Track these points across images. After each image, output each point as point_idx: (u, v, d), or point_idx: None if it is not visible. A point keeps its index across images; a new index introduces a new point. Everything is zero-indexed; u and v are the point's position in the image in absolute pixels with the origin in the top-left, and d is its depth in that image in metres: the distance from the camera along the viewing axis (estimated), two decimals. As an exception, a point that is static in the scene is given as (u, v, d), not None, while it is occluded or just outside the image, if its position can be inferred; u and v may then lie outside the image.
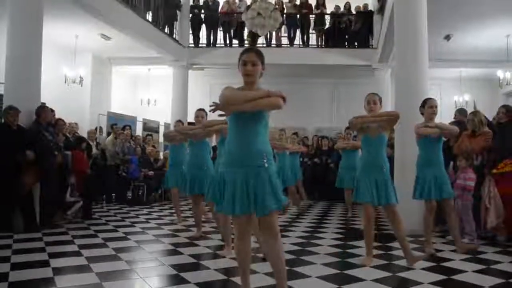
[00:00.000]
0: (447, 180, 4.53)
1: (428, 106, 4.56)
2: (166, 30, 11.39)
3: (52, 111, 6.70)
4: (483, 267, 3.90)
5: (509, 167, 5.11)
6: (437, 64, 10.56)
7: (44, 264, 3.79)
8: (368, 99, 4.06)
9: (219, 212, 2.90)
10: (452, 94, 13.14)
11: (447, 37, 9.74)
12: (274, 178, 2.66)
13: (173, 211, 7.31)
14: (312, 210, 8.41)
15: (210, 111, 3.11)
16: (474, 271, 3.73)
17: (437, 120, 4.68)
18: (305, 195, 9.32)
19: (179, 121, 6.75)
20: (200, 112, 5.21)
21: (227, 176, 2.68)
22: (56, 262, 3.85)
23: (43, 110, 5.94)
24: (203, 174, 5.03)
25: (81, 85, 10.73)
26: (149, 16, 10.68)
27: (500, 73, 10.97)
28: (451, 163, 5.66)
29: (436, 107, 4.55)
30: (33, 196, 5.61)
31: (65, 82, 10.36)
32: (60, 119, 7.05)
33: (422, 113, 4.63)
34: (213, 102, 2.92)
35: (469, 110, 7.49)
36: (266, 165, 2.65)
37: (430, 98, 4.68)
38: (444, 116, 8.31)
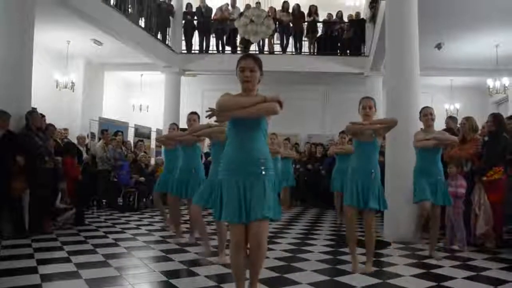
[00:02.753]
0: (443, 188, 4.57)
1: (423, 114, 4.65)
2: (159, 36, 11.41)
3: (42, 116, 6.66)
4: (473, 273, 3.92)
5: (498, 174, 5.18)
6: (428, 73, 10.68)
7: (32, 270, 3.74)
8: (364, 104, 4.00)
9: (217, 219, 2.88)
10: (442, 102, 13.28)
11: (438, 46, 9.87)
12: (268, 190, 2.66)
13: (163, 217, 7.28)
14: (304, 217, 8.41)
15: (206, 117, 3.11)
16: (463, 278, 3.75)
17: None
18: (291, 202, 9.39)
19: (174, 123, 6.73)
20: (193, 115, 5.20)
21: (225, 183, 2.70)
22: (44, 269, 3.80)
23: (32, 115, 5.89)
24: (191, 178, 5.05)
25: (73, 91, 10.69)
26: (141, 22, 10.68)
27: (489, 82, 11.11)
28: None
29: (431, 114, 4.62)
30: (22, 202, 5.55)
31: (57, 87, 10.32)
32: (50, 124, 7.01)
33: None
34: (209, 108, 2.92)
35: (459, 118, 7.58)
36: (264, 172, 2.65)
37: (426, 107, 4.75)
38: (435, 124, 8.36)
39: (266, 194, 2.64)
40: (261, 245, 2.66)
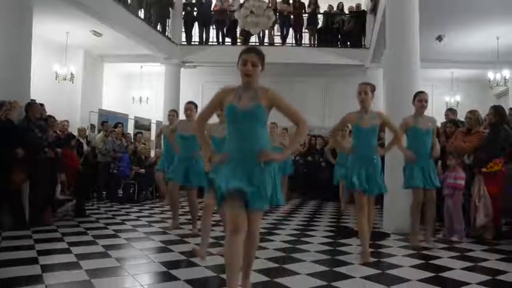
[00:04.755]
0: (434, 172, 4.60)
1: (417, 100, 4.66)
2: (159, 27, 11.36)
3: (41, 105, 6.64)
4: (471, 264, 3.94)
5: (499, 166, 5.18)
6: (429, 65, 10.63)
7: (33, 261, 3.75)
8: (359, 89, 4.03)
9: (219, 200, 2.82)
10: (443, 95, 13.24)
11: (439, 38, 9.82)
12: (268, 179, 2.64)
13: (165, 209, 7.33)
14: (303, 209, 8.43)
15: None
16: (462, 269, 3.77)
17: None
18: (288, 194, 9.41)
19: (173, 110, 6.72)
20: (189, 105, 5.22)
21: (228, 164, 2.67)
22: (44, 260, 3.82)
23: (31, 106, 5.89)
24: (191, 166, 5.10)
25: (72, 82, 10.67)
26: (141, 13, 10.63)
27: (490, 74, 11.08)
28: (439, 161, 5.71)
29: (425, 101, 4.63)
30: (22, 194, 5.56)
31: (56, 79, 10.28)
32: (50, 116, 7.00)
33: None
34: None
35: (460, 110, 7.58)
36: (263, 165, 2.62)
37: (421, 92, 4.75)
38: (436, 117, 8.36)
39: (266, 183, 2.61)
40: (254, 233, 2.73)
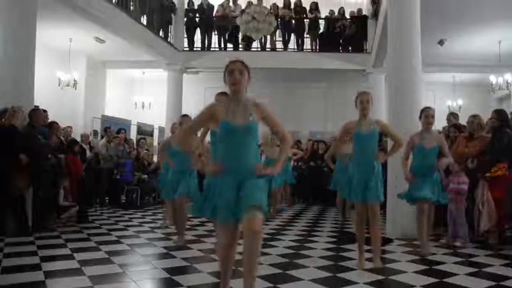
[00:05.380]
0: (439, 187, 4.60)
1: (424, 116, 4.64)
2: (161, 33, 11.40)
3: (44, 111, 6.66)
4: (475, 270, 3.92)
5: (502, 171, 5.15)
6: (431, 69, 10.65)
7: (36, 267, 3.76)
8: (361, 99, 4.00)
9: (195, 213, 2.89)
10: (445, 99, 13.23)
11: (441, 42, 9.84)
12: (261, 186, 2.65)
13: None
14: (306, 214, 8.41)
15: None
16: (466, 274, 3.75)
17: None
18: (290, 199, 9.41)
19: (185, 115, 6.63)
20: (185, 118, 5.23)
21: (218, 182, 2.68)
22: (47, 266, 3.83)
23: (35, 113, 5.91)
24: (184, 179, 5.07)
25: (75, 89, 10.70)
26: (143, 20, 10.68)
27: (492, 78, 11.07)
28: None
29: (432, 117, 4.61)
30: (25, 200, 5.57)
31: (59, 85, 10.32)
32: (54, 122, 7.02)
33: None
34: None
35: (462, 114, 7.57)
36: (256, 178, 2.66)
37: (427, 108, 4.72)
38: (438, 121, 8.35)
39: (258, 188, 2.62)
40: (255, 232, 2.52)
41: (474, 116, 5.58)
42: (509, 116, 5.70)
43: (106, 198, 9.26)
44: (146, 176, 9.26)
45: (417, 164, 4.64)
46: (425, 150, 4.57)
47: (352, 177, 3.99)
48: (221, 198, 2.62)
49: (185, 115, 5.34)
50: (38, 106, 6.36)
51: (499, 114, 5.46)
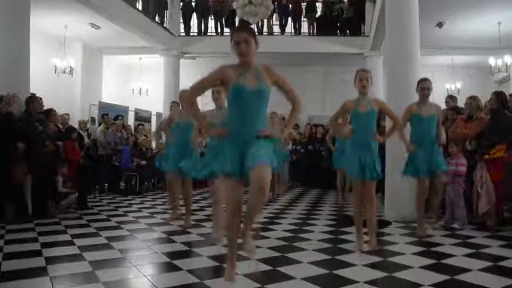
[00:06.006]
0: (439, 156, 4.59)
1: (420, 88, 4.63)
2: (157, 19, 11.28)
3: (40, 99, 6.62)
4: (473, 251, 3.95)
5: (501, 153, 5.16)
6: (429, 52, 10.57)
7: (37, 253, 3.78)
8: (360, 76, 3.98)
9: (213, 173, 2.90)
10: (444, 82, 13.17)
11: (439, 25, 9.75)
12: (266, 146, 2.64)
13: (166, 200, 7.31)
14: (305, 198, 8.45)
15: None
16: (463, 255, 3.78)
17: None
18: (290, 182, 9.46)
19: (175, 102, 6.65)
20: (184, 93, 5.24)
21: (225, 145, 2.68)
22: (48, 252, 3.85)
23: (32, 100, 5.88)
24: (186, 153, 5.10)
25: (72, 75, 10.63)
26: (139, 5, 10.56)
27: (491, 61, 11.01)
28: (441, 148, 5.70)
29: (428, 89, 4.59)
30: (24, 187, 5.57)
31: (55, 72, 10.25)
32: (51, 109, 6.98)
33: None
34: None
35: (460, 97, 7.55)
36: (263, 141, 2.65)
37: (424, 80, 4.69)
38: (436, 103, 8.34)
39: (265, 148, 2.62)
40: (263, 188, 2.52)
41: (472, 98, 5.56)
42: (508, 98, 5.68)
43: (106, 184, 9.28)
44: (144, 161, 9.25)
45: (415, 134, 4.61)
46: (423, 119, 4.56)
47: (351, 154, 3.99)
48: (226, 154, 2.63)
49: (186, 90, 5.31)
50: (34, 94, 6.32)
51: (498, 96, 5.44)
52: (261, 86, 2.68)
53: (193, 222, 5.35)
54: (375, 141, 3.96)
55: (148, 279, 3.14)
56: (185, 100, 3.08)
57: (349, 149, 4.05)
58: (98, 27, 10.05)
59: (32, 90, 6.30)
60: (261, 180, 2.52)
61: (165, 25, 11.65)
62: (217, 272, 3.32)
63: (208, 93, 3.53)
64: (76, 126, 8.62)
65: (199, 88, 2.79)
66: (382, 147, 4.33)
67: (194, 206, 6.73)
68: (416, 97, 4.74)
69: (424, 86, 4.60)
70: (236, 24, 11.82)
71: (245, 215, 2.72)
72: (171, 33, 11.75)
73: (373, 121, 3.99)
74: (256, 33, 2.86)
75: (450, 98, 6.97)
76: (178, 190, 5.67)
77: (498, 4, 8.48)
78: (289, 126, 2.92)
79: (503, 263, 3.51)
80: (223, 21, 12.02)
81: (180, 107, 5.57)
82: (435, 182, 4.65)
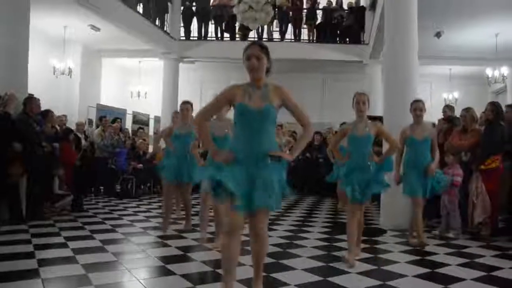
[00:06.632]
0: (432, 181, 4.61)
1: (413, 109, 4.66)
2: (157, 22, 11.32)
3: (38, 100, 6.60)
4: (467, 260, 3.96)
5: (496, 163, 5.18)
6: (427, 61, 10.63)
7: (29, 255, 3.76)
8: (357, 99, 3.98)
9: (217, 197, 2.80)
10: (441, 91, 13.25)
11: (438, 35, 9.81)
12: (275, 179, 2.58)
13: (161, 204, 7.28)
14: (301, 205, 8.44)
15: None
16: (457, 265, 3.79)
17: (427, 118, 4.76)
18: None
19: (177, 111, 6.65)
20: (186, 105, 5.24)
21: (231, 168, 2.58)
22: (41, 254, 3.83)
23: (30, 101, 5.87)
24: (186, 163, 5.12)
25: (70, 77, 10.63)
26: (140, 8, 10.59)
27: (489, 71, 11.08)
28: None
29: (420, 110, 4.61)
30: (19, 188, 5.55)
31: (54, 73, 10.25)
32: (49, 110, 6.98)
33: None
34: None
35: (458, 107, 7.59)
36: (271, 163, 2.58)
37: (417, 101, 4.70)
38: (434, 114, 8.39)
39: (273, 183, 2.55)
40: (260, 234, 2.63)
41: (467, 110, 5.60)
42: (504, 109, 5.71)
43: (101, 187, 9.25)
44: (141, 165, 9.24)
45: (410, 156, 4.65)
46: (416, 141, 4.59)
47: (349, 177, 3.96)
48: (233, 173, 2.54)
49: (186, 102, 5.32)
50: (33, 95, 6.31)
51: (493, 107, 5.47)
52: (265, 106, 2.61)
53: (190, 228, 5.32)
54: (372, 161, 3.97)
55: (141, 283, 3.12)
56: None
57: (346, 171, 4.04)
58: (98, 29, 10.06)
59: (30, 90, 6.30)
60: (258, 231, 2.62)
61: (165, 29, 11.69)
62: (210, 277, 3.31)
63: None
64: (73, 128, 8.60)
65: (208, 111, 2.78)
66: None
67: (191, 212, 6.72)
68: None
69: (417, 107, 4.63)
70: (236, 29, 11.91)
71: (253, 263, 2.74)
72: (171, 37, 11.78)
73: (369, 144, 3.99)
74: (256, 39, 2.82)
75: (448, 108, 6.99)
76: (176, 197, 5.68)
77: (496, 16, 8.55)
78: (297, 151, 2.81)
79: (496, 273, 3.52)
80: (223, 26, 12.06)
81: (180, 119, 5.54)
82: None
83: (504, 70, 10.81)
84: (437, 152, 4.74)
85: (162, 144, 6.10)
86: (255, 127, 2.61)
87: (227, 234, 2.59)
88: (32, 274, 3.21)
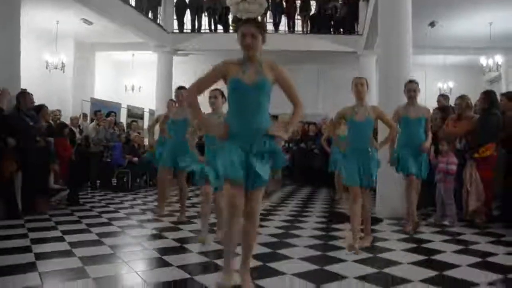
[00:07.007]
0: (425, 163, 4.66)
1: (406, 90, 4.70)
2: (150, 15, 11.23)
3: (31, 95, 6.56)
4: (462, 247, 3.99)
5: (490, 151, 5.21)
6: (422, 51, 10.63)
7: (26, 249, 3.75)
8: (356, 82, 4.02)
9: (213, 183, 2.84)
10: (436, 81, 13.26)
11: (432, 24, 9.82)
12: (266, 159, 2.63)
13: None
14: (297, 195, 8.47)
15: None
16: (453, 251, 3.82)
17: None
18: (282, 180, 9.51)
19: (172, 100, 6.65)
20: (180, 91, 5.24)
21: (227, 147, 2.61)
22: (38, 248, 3.81)
23: (23, 96, 5.83)
24: (182, 150, 5.09)
25: (63, 71, 10.55)
26: (132, 1, 10.50)
27: (483, 60, 11.10)
28: (432, 147, 5.74)
29: (414, 91, 4.66)
30: (14, 183, 5.52)
31: (47, 68, 10.18)
32: (43, 105, 6.94)
33: None
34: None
35: (452, 96, 7.60)
36: (266, 142, 2.61)
37: (410, 81, 4.78)
38: (429, 103, 8.39)
39: (267, 163, 2.62)
40: (254, 214, 2.67)
41: (462, 97, 5.63)
42: (498, 97, 5.72)
43: (97, 181, 9.23)
44: (136, 158, 9.22)
45: (404, 136, 4.68)
46: (410, 121, 4.62)
47: (349, 162, 3.98)
48: (229, 157, 2.56)
49: (181, 87, 5.30)
50: (25, 90, 6.26)
51: (487, 95, 5.49)
52: (259, 80, 2.61)
53: (184, 219, 5.34)
54: (372, 147, 3.98)
55: (138, 274, 3.13)
56: (186, 98, 3.02)
57: (347, 156, 4.05)
58: (90, 23, 9.98)
59: (23, 86, 6.25)
60: (251, 210, 2.65)
61: (158, 22, 11.60)
62: (208, 269, 3.32)
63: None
64: (68, 122, 8.56)
65: (201, 84, 2.73)
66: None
67: (186, 203, 6.73)
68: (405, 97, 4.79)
69: (410, 88, 4.68)
70: (230, 21, 11.83)
71: (242, 246, 2.74)
72: (164, 30, 11.70)
73: (370, 129, 4.00)
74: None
75: (442, 97, 7.02)
76: (169, 186, 5.67)
77: (490, 5, 8.56)
78: (289, 130, 2.78)
79: (491, 259, 3.55)
80: (217, 18, 11.99)
81: (176, 105, 5.54)
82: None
83: (498, 58, 10.84)
84: (430, 132, 4.79)
85: (157, 136, 6.06)
86: (250, 102, 2.61)
87: (231, 214, 2.61)
88: (29, 267, 3.20)
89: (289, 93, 2.76)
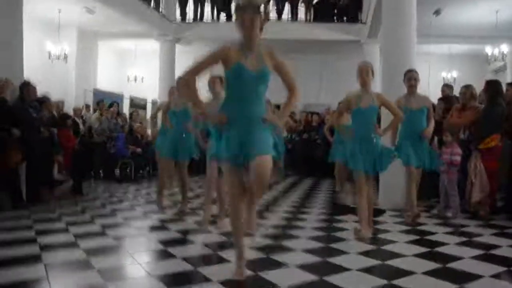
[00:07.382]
0: (427, 152, 4.65)
1: (406, 79, 4.65)
2: (152, 4, 11.15)
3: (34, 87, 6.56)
4: (465, 239, 3.99)
5: (495, 142, 5.17)
6: (426, 40, 10.50)
7: (31, 241, 3.77)
8: (361, 69, 3.97)
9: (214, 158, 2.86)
10: (440, 70, 13.16)
11: (437, 12, 9.70)
12: (268, 133, 2.62)
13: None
14: (299, 186, 8.47)
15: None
16: (456, 244, 3.81)
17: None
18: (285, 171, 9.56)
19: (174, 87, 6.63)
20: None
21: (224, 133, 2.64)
22: (43, 239, 3.83)
23: (27, 86, 5.82)
24: (183, 140, 5.16)
25: (66, 61, 10.52)
26: (134, -11, 10.41)
27: (488, 49, 10.98)
28: (436, 138, 5.72)
29: (414, 79, 4.62)
30: (18, 174, 5.55)
31: (49, 58, 10.15)
32: (46, 97, 6.93)
33: None
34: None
35: (457, 86, 7.55)
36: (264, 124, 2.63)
37: (410, 70, 4.74)
38: (432, 92, 8.34)
39: (266, 135, 2.60)
40: (262, 182, 2.53)
41: (466, 87, 5.57)
42: (503, 87, 5.67)
43: (101, 171, 9.25)
44: (139, 149, 9.23)
45: (406, 127, 4.65)
46: (411, 111, 4.59)
47: (354, 150, 3.97)
48: (226, 140, 2.60)
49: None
50: (29, 80, 6.24)
51: (492, 85, 5.43)
52: (262, 69, 2.61)
53: (188, 210, 5.36)
54: (376, 134, 3.96)
55: (142, 266, 3.15)
56: (182, 82, 3.03)
57: (352, 144, 4.04)
58: (93, 12, 9.92)
59: (26, 76, 6.23)
60: (261, 174, 2.50)
61: (160, 10, 11.52)
62: (211, 260, 3.33)
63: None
64: (71, 113, 8.56)
65: (198, 68, 2.68)
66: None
67: (189, 194, 6.74)
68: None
69: (410, 77, 4.66)
70: (233, 10, 11.73)
71: (247, 201, 2.77)
72: (167, 19, 11.62)
73: (374, 116, 3.99)
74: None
75: (446, 87, 6.97)
76: (172, 175, 5.69)
77: (497, -8, 8.44)
78: (285, 114, 2.84)
79: (495, 251, 3.55)
80: (219, 7, 11.90)
81: (176, 94, 5.53)
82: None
83: (504, 48, 10.73)
84: (432, 121, 4.78)
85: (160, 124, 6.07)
86: (249, 89, 2.62)
87: (233, 197, 2.69)
88: (34, 259, 3.22)
89: (286, 79, 2.77)
